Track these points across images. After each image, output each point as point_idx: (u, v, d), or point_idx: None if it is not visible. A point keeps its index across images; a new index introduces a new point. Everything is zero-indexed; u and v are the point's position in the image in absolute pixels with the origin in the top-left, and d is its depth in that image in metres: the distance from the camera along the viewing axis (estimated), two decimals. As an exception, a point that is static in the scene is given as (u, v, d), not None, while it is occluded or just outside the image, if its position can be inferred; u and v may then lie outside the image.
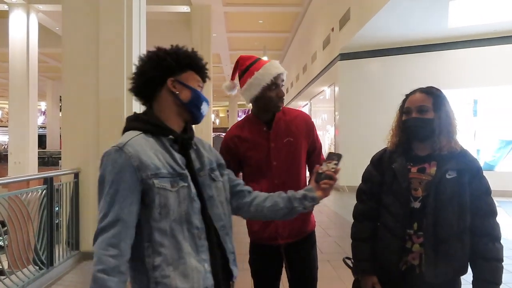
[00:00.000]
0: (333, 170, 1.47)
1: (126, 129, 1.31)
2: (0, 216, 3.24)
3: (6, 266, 3.28)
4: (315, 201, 1.45)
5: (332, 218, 7.15)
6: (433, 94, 1.70)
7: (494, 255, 1.59)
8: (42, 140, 20.61)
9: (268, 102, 1.93)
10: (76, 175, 4.16)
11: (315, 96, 15.13)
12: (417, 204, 1.65)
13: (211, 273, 1.26)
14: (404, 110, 1.73)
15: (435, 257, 1.58)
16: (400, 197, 1.67)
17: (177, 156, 1.28)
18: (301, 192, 1.47)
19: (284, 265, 2.02)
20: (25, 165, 11.12)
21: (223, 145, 2.04)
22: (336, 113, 10.73)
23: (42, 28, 12.41)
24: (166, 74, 1.31)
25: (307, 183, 1.68)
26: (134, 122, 1.32)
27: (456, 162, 1.63)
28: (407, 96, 1.77)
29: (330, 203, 8.92)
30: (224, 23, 14.14)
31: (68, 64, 4.39)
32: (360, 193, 1.85)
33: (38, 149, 12.30)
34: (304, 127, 2.00)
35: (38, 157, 11.98)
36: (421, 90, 1.73)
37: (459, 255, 1.59)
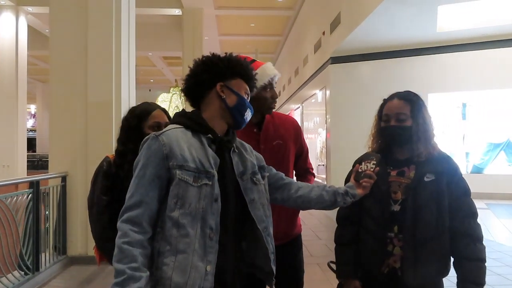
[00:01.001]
0: (371, 169, 1.60)
1: (172, 123, 1.39)
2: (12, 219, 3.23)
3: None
4: (356, 197, 1.58)
5: (323, 221, 7.16)
6: (411, 101, 1.72)
7: (477, 255, 1.61)
8: (32, 143, 20.44)
9: (262, 103, 1.94)
10: (64, 179, 4.12)
11: (307, 100, 15.17)
12: (396, 207, 1.66)
13: (213, 276, 1.26)
14: (382, 117, 1.75)
15: (415, 259, 1.59)
16: (380, 200, 1.69)
17: (211, 155, 1.32)
18: (343, 188, 1.59)
19: None
20: (13, 168, 11.01)
21: None
22: (328, 116, 10.77)
23: (31, 30, 12.33)
24: (216, 78, 1.39)
25: None
26: (178, 118, 1.39)
27: (434, 165, 1.65)
28: (385, 101, 1.78)
29: (321, 206, 8.93)
30: (216, 26, 14.15)
31: (56, 67, 4.36)
32: (343, 196, 1.86)
33: (28, 152, 12.18)
34: (293, 131, 2.04)
35: (28, 161, 11.88)
36: (399, 96, 1.75)
37: (438, 256, 1.61)
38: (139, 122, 1.82)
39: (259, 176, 1.45)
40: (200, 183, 1.25)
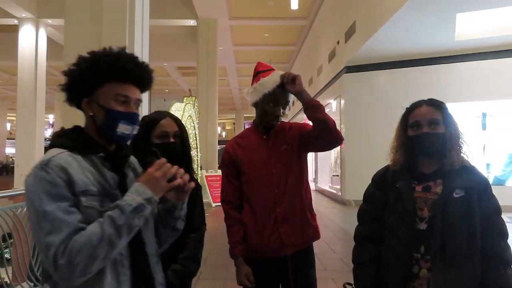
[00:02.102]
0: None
1: (51, 146, 1.18)
2: (7, 228, 3.21)
3: (8, 279, 3.23)
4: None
5: (337, 234, 7.00)
6: (441, 107, 1.62)
7: (504, 282, 1.47)
8: (49, 152, 20.62)
9: (263, 115, 1.92)
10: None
11: (322, 109, 15.04)
12: (423, 226, 1.54)
13: None
14: (410, 124, 1.64)
15: (444, 283, 1.46)
16: (405, 218, 1.57)
17: (108, 174, 1.20)
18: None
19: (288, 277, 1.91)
20: (31, 177, 11.15)
21: (224, 154, 2.03)
22: (342, 126, 10.63)
23: (50, 42, 12.57)
24: (79, 95, 1.20)
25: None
26: (60, 139, 1.19)
27: (463, 180, 1.53)
28: (410, 109, 1.68)
29: (336, 218, 8.77)
30: (230, 36, 14.22)
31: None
32: (362, 214, 1.76)
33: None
34: (297, 131, 1.97)
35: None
36: (427, 102, 1.64)
37: (470, 280, 1.48)
38: (147, 131, 1.76)
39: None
40: (106, 206, 1.12)
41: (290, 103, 2.03)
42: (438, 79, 8.97)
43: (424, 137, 1.58)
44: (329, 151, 14.37)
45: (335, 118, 12.27)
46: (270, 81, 1.88)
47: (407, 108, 1.70)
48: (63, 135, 1.21)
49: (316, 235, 1.98)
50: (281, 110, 1.90)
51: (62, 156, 1.13)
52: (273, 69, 1.96)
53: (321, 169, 16.06)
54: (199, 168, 9.57)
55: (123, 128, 1.20)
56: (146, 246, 1.25)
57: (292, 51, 17.16)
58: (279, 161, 1.90)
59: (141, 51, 4.51)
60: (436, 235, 1.49)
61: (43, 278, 3.52)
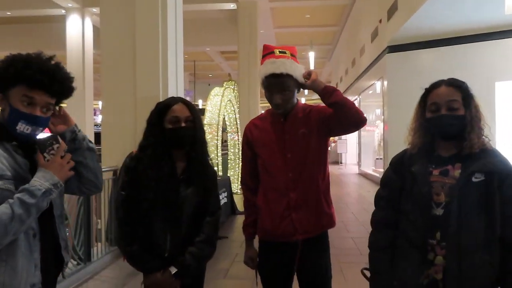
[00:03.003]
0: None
1: None
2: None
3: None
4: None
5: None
6: (461, 88, 1.52)
7: None
8: (99, 138, 21.70)
9: (266, 98, 1.89)
10: (115, 172, 4.28)
11: (364, 91, 14.61)
12: (439, 211, 1.47)
13: (39, 270, 1.33)
14: (428, 106, 1.55)
15: (459, 271, 1.40)
16: (420, 203, 1.50)
17: (21, 160, 1.32)
18: None
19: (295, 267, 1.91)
20: (82, 161, 11.79)
21: (243, 135, 2.05)
22: (385, 108, 10.28)
23: (96, 30, 13.04)
24: None
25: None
26: None
27: (484, 164, 1.43)
28: (429, 90, 1.59)
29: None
30: (270, 19, 14.05)
31: (106, 65, 4.53)
32: (378, 199, 1.70)
33: (96, 146, 12.94)
34: (317, 115, 1.90)
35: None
36: (446, 83, 1.55)
37: (486, 269, 1.40)
38: (160, 116, 1.79)
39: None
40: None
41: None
42: (486, 56, 8.37)
43: (442, 119, 1.49)
44: (373, 133, 13.99)
45: (378, 100, 11.93)
46: (261, 72, 1.85)
47: (426, 89, 1.61)
48: None
49: (330, 223, 1.94)
50: (280, 98, 1.84)
51: None
52: (272, 52, 1.90)
53: (365, 152, 15.70)
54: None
55: (22, 127, 1.32)
56: (53, 208, 1.40)
57: (334, 32, 16.70)
58: (295, 145, 1.86)
59: (175, 36, 4.57)
60: (452, 221, 1.42)
61: (85, 257, 3.75)
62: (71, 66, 11.90)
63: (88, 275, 3.69)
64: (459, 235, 1.41)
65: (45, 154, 1.32)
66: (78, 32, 11.97)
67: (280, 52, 1.89)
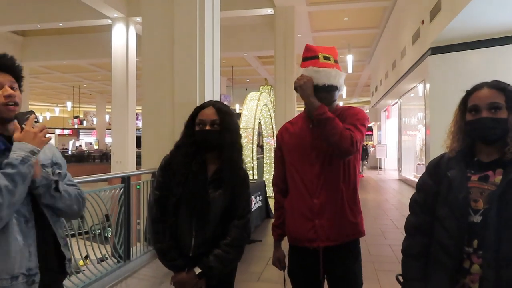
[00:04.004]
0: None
1: None
2: (105, 210, 3.66)
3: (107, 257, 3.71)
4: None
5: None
6: (504, 90, 1.46)
7: None
8: (141, 141, 22.46)
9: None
10: (154, 175, 4.41)
11: (405, 94, 14.20)
12: (477, 218, 1.41)
13: (37, 256, 1.43)
14: (469, 108, 1.50)
15: (496, 282, 1.33)
16: (456, 209, 1.45)
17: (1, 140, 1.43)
18: None
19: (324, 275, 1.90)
20: (125, 164, 12.24)
21: (275, 139, 2.09)
22: (427, 111, 9.94)
23: (140, 38, 13.54)
24: None
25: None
26: None
27: None
28: (469, 92, 1.53)
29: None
30: (308, 23, 13.99)
31: (147, 71, 4.70)
32: (413, 204, 1.65)
33: (138, 149, 13.40)
34: (342, 121, 1.84)
35: (137, 157, 13.02)
36: (488, 85, 1.49)
37: None
38: (193, 119, 1.87)
39: (49, 169, 1.55)
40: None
41: (337, 90, 1.93)
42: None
43: (482, 122, 1.43)
44: (415, 138, 13.55)
45: (420, 103, 11.55)
46: (313, 76, 1.85)
47: (467, 91, 1.56)
48: None
49: (356, 233, 1.88)
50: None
51: None
52: (316, 57, 1.88)
53: (406, 157, 15.24)
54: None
55: None
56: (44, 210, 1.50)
57: (374, 34, 16.36)
58: (321, 151, 1.85)
59: (212, 43, 4.67)
60: (490, 229, 1.36)
61: (125, 256, 3.89)
62: (116, 73, 12.44)
63: (128, 273, 3.83)
64: (498, 244, 1.34)
65: (22, 126, 1.42)
66: (122, 40, 12.48)
67: (324, 58, 1.86)
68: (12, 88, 1.48)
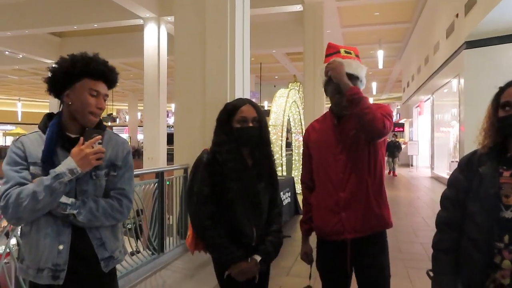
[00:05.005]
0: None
1: (38, 126, 1.59)
2: (140, 204, 3.81)
3: (141, 249, 3.86)
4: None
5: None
6: None
7: None
8: (172, 138, 22.86)
9: (331, 102, 1.92)
10: (186, 170, 4.54)
11: (438, 90, 13.82)
12: (508, 214, 1.42)
13: (68, 254, 1.48)
14: (501, 104, 1.50)
15: None
16: (487, 204, 1.45)
17: (61, 153, 1.51)
18: None
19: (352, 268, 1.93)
20: (156, 160, 12.53)
21: (303, 136, 2.15)
22: (461, 107, 9.66)
23: (170, 37, 13.81)
24: (61, 90, 1.55)
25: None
26: (41, 122, 1.58)
27: None
28: (503, 88, 1.53)
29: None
30: (337, 18, 13.83)
31: (179, 69, 4.82)
32: (444, 199, 1.67)
33: (168, 146, 13.70)
34: None
35: (168, 153, 13.29)
36: None
37: None
38: (229, 116, 1.91)
39: (101, 172, 1.57)
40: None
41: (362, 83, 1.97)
42: None
43: None
44: (448, 135, 13.18)
45: (454, 99, 11.23)
46: (323, 70, 1.91)
47: (500, 87, 1.56)
48: (42, 119, 1.59)
49: (382, 224, 1.92)
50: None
51: (31, 135, 1.55)
52: (338, 52, 1.93)
53: (438, 154, 14.84)
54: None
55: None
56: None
57: (406, 29, 15.97)
58: (346, 146, 1.89)
59: (242, 43, 4.73)
60: None
61: (159, 248, 4.03)
62: (148, 71, 12.73)
63: (162, 265, 3.97)
64: None
65: (86, 143, 1.50)
66: (154, 39, 12.76)
67: (345, 52, 1.92)
68: (104, 99, 1.59)
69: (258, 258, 1.84)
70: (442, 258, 1.59)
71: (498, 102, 1.53)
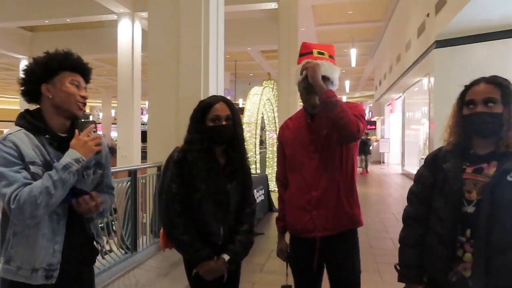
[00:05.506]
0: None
1: (15, 124, 1.54)
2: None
3: (115, 249, 3.79)
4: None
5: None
6: (501, 85, 1.51)
7: None
8: (146, 136, 22.51)
9: (302, 100, 1.94)
10: (159, 168, 4.49)
11: (409, 88, 14.17)
12: (470, 209, 1.47)
13: (61, 253, 1.51)
14: (466, 102, 1.55)
15: (486, 270, 1.39)
16: (450, 200, 1.51)
17: (52, 152, 1.52)
18: None
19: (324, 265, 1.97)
20: (130, 158, 12.33)
21: (277, 134, 2.17)
22: (431, 105, 9.94)
23: (145, 33, 13.58)
24: (39, 83, 1.53)
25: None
26: (19, 120, 1.54)
27: None
28: (468, 87, 1.58)
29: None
30: (312, 16, 13.95)
31: (152, 66, 4.75)
32: (411, 195, 1.73)
33: (143, 144, 13.49)
34: None
35: (143, 151, 13.08)
36: (486, 80, 1.54)
37: None
38: (203, 114, 1.90)
39: (90, 171, 1.61)
40: None
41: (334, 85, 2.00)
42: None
43: (477, 116, 1.49)
44: (418, 132, 13.55)
45: (424, 97, 11.54)
46: (297, 71, 1.93)
47: (465, 86, 1.60)
48: (22, 117, 1.54)
49: (352, 223, 1.95)
50: (317, 98, 1.88)
51: (17, 134, 1.49)
52: (310, 53, 1.95)
53: (409, 151, 15.23)
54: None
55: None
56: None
57: (378, 28, 16.28)
58: (319, 145, 1.92)
59: (216, 39, 4.71)
60: (481, 219, 1.41)
61: (132, 247, 3.98)
62: (122, 68, 12.50)
63: (135, 263, 3.93)
64: (489, 233, 1.40)
65: (82, 133, 1.53)
66: (128, 35, 12.52)
67: (318, 53, 1.94)
68: (85, 91, 1.62)
69: (226, 257, 1.84)
70: (409, 252, 1.64)
71: (463, 100, 1.58)
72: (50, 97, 1.54)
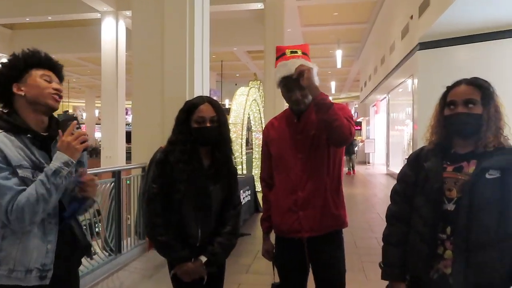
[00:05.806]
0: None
1: None
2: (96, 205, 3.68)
3: (99, 251, 3.73)
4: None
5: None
6: (481, 87, 1.54)
7: None
8: (130, 137, 22.25)
9: (284, 97, 1.93)
10: (144, 169, 4.44)
11: (394, 89, 14.35)
12: (451, 206, 1.50)
13: (54, 253, 1.48)
14: (447, 103, 1.58)
15: (466, 266, 1.42)
16: (431, 198, 1.53)
17: (37, 152, 1.49)
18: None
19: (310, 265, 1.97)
20: (114, 159, 12.18)
21: (262, 134, 2.14)
22: (415, 106, 10.08)
23: (129, 32, 13.44)
24: (9, 84, 1.50)
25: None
26: None
27: (497, 160, 1.44)
28: (449, 88, 1.61)
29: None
30: (298, 17, 14.01)
31: (137, 65, 4.71)
32: (394, 194, 1.75)
33: (127, 144, 13.34)
34: None
35: (127, 152, 12.94)
36: (467, 81, 1.57)
37: (495, 266, 1.41)
38: (188, 115, 1.88)
39: (73, 169, 1.54)
40: (37, 177, 1.43)
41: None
42: (527, 52, 8.06)
43: (458, 117, 1.52)
44: (402, 133, 13.73)
45: (408, 98, 11.70)
46: (277, 73, 1.92)
47: (447, 87, 1.63)
48: (1, 118, 1.49)
49: (338, 224, 1.96)
50: (299, 93, 1.89)
51: None
52: (283, 54, 1.95)
53: (394, 152, 15.43)
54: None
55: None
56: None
57: (363, 29, 16.44)
58: (306, 146, 1.91)
59: (202, 39, 4.68)
60: (461, 216, 1.44)
61: (116, 249, 3.93)
62: (106, 67, 12.36)
63: (119, 265, 3.88)
64: (468, 230, 1.43)
65: (65, 133, 1.49)
66: (112, 34, 12.39)
67: (291, 52, 1.94)
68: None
69: (203, 259, 1.82)
70: (392, 251, 1.66)
71: (444, 101, 1.61)
72: (23, 94, 1.50)
